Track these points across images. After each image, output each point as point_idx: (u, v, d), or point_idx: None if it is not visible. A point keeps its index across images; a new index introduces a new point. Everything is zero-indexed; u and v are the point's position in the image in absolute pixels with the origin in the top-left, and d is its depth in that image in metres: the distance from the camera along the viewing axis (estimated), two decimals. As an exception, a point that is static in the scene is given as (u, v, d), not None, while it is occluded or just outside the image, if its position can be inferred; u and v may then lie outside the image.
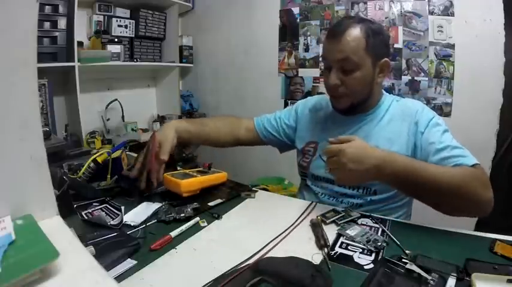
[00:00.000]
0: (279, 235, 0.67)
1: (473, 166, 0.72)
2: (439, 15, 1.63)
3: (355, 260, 0.58)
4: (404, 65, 1.74)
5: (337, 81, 0.82)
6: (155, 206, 0.81)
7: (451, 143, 0.77)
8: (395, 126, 0.86)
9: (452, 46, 1.62)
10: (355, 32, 0.79)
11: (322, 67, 0.79)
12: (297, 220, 0.74)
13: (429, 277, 0.51)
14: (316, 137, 0.97)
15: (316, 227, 0.68)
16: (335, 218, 0.73)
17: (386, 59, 0.84)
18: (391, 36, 1.73)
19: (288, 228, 0.70)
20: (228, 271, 0.54)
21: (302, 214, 0.77)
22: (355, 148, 0.67)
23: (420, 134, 0.81)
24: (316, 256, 0.59)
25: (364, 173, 0.68)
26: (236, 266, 0.55)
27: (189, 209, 0.76)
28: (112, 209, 0.79)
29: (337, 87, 0.83)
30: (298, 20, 2.05)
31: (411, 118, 0.84)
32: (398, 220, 0.75)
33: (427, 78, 1.70)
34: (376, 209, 0.83)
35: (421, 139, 0.81)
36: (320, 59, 1.99)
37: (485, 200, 0.69)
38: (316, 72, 2.03)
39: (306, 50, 2.05)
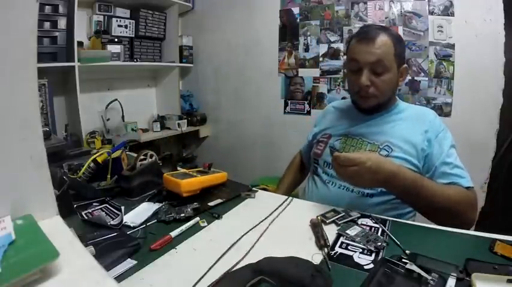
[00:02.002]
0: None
1: (468, 188, 0.80)
2: (439, 15, 1.63)
3: (355, 260, 0.58)
4: (404, 65, 1.75)
5: (368, 82, 0.87)
6: (155, 206, 0.81)
7: (454, 161, 0.84)
8: (409, 126, 0.90)
9: (452, 46, 1.62)
10: (386, 38, 0.85)
11: (345, 69, 0.88)
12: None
13: (429, 277, 0.51)
14: (331, 130, 1.03)
15: (316, 227, 0.68)
16: (335, 218, 0.73)
17: (405, 65, 0.92)
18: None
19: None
20: (228, 270, 0.54)
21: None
22: (374, 161, 0.71)
23: (432, 141, 0.86)
24: (316, 256, 0.59)
25: (375, 182, 0.74)
26: (234, 265, 0.55)
27: (189, 209, 0.76)
28: (112, 209, 0.79)
29: (368, 87, 0.87)
30: (298, 20, 2.05)
31: (425, 124, 0.89)
32: (398, 220, 0.75)
33: (427, 78, 1.70)
34: (387, 201, 0.85)
35: (432, 146, 0.85)
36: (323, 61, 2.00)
37: (470, 221, 0.78)
38: (316, 72, 2.03)
39: (306, 50, 2.05)
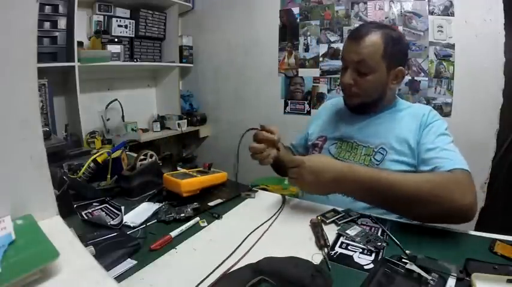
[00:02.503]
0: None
1: (452, 170, 0.70)
2: (439, 15, 1.63)
3: (355, 260, 0.58)
4: (404, 65, 1.75)
5: (351, 81, 0.86)
6: (155, 206, 0.81)
7: (442, 145, 0.78)
8: (405, 125, 0.88)
9: (452, 46, 1.62)
10: (375, 38, 0.82)
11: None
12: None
13: (429, 277, 0.51)
14: (326, 132, 1.01)
15: (316, 227, 0.68)
16: (335, 218, 0.73)
17: (401, 67, 0.87)
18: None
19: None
20: (227, 270, 0.54)
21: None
22: (314, 161, 0.72)
23: (421, 132, 0.84)
24: (316, 256, 0.59)
25: (324, 185, 0.71)
26: (233, 265, 0.56)
27: (189, 209, 0.76)
28: (112, 209, 0.79)
29: (351, 86, 0.87)
30: (298, 20, 2.06)
31: (418, 120, 0.86)
32: (398, 220, 0.75)
33: (427, 78, 1.70)
34: None
35: (421, 137, 0.84)
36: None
37: (459, 206, 0.64)
38: (316, 72, 2.03)
39: (306, 50, 2.05)
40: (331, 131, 0.99)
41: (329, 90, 2.01)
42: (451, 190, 0.65)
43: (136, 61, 2.13)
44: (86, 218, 0.74)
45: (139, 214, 0.77)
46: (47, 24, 1.62)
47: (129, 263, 0.57)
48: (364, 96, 0.88)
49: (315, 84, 2.05)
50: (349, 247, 0.63)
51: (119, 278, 0.53)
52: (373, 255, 0.59)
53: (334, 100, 1.12)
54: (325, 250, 0.60)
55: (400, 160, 0.83)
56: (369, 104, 0.91)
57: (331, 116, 1.05)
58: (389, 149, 0.85)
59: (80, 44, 1.76)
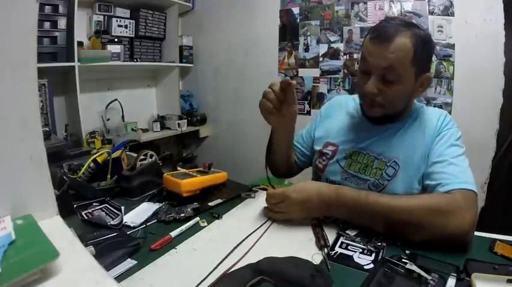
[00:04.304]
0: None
1: (455, 190, 0.66)
2: (439, 15, 1.63)
3: (355, 260, 0.58)
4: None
5: (375, 90, 0.75)
6: (155, 206, 0.81)
7: (450, 159, 0.73)
8: (414, 135, 0.82)
9: (452, 46, 1.62)
10: (405, 40, 0.71)
11: (356, 68, 0.78)
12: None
13: (429, 277, 0.51)
14: (336, 140, 0.92)
15: (316, 227, 0.68)
16: (335, 218, 0.73)
17: (428, 74, 0.78)
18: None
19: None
20: (227, 270, 0.54)
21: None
22: (298, 192, 0.71)
23: (433, 140, 0.79)
24: (316, 256, 0.59)
25: (312, 211, 0.72)
26: (233, 265, 0.56)
27: (189, 209, 0.76)
28: (112, 209, 0.79)
29: (374, 95, 0.76)
30: (298, 20, 2.06)
31: (433, 125, 0.81)
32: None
33: (427, 78, 1.70)
34: None
35: (431, 147, 0.78)
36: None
37: (453, 232, 0.61)
38: (316, 72, 2.03)
39: (306, 50, 2.05)
40: (345, 140, 0.90)
41: (329, 90, 2.01)
42: (446, 215, 0.61)
43: (136, 61, 2.13)
44: (86, 218, 0.74)
45: (139, 214, 0.77)
46: (47, 24, 1.62)
47: (129, 263, 0.57)
48: (388, 108, 0.78)
49: (315, 84, 2.05)
50: (349, 247, 0.63)
51: (119, 278, 0.53)
52: (373, 255, 0.60)
53: (343, 99, 1.02)
54: (325, 250, 0.60)
55: (413, 176, 0.78)
56: (391, 116, 0.82)
57: (344, 121, 0.94)
58: (402, 164, 0.79)
59: (80, 44, 1.76)
